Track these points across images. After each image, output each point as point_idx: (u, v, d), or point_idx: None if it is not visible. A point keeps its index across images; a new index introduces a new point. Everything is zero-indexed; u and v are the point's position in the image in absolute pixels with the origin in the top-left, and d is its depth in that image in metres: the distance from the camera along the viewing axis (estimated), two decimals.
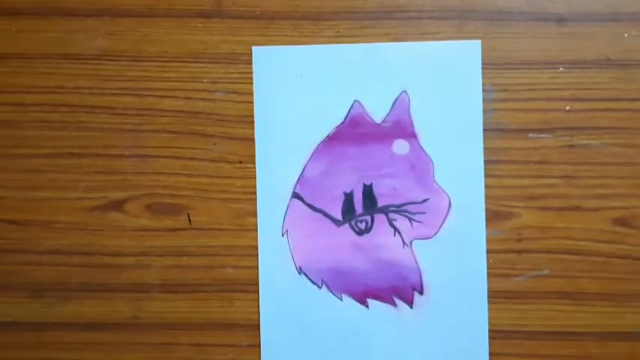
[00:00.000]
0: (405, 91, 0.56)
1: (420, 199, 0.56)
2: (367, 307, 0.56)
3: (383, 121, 0.56)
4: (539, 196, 0.56)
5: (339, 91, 0.56)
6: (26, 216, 0.56)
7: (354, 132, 0.56)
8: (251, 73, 0.56)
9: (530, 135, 0.56)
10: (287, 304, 0.56)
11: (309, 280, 0.56)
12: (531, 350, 0.55)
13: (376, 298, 0.56)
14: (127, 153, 0.56)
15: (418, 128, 0.56)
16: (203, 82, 0.56)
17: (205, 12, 0.56)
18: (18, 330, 0.56)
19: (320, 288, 0.56)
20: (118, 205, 0.56)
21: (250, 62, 0.56)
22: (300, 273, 0.56)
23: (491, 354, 0.55)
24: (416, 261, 0.56)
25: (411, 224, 0.56)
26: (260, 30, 0.56)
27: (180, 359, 0.56)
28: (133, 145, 0.56)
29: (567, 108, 0.56)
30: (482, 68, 0.56)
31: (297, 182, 0.56)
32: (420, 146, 0.56)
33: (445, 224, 0.56)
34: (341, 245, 0.56)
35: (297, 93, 0.56)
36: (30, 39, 0.56)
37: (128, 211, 0.56)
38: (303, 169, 0.56)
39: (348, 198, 0.56)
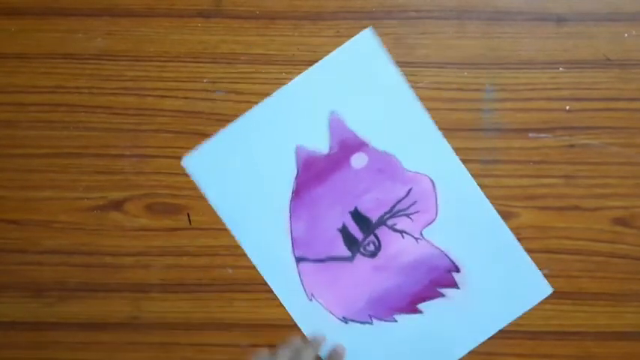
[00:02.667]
0: (332, 111, 0.56)
1: (404, 193, 0.55)
2: (421, 312, 0.56)
3: (330, 149, 0.56)
4: (539, 196, 0.56)
5: (278, 147, 0.56)
6: (26, 216, 0.56)
7: (312, 174, 0.56)
8: (251, 72, 0.56)
9: (530, 135, 0.56)
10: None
11: (358, 323, 0.56)
12: (531, 350, 0.55)
13: (423, 300, 0.56)
14: (126, 153, 0.56)
15: (364, 135, 0.56)
16: (202, 81, 0.56)
17: (205, 12, 0.56)
18: (18, 330, 0.56)
19: (372, 324, 0.56)
20: (117, 205, 0.56)
21: (250, 62, 0.56)
22: (346, 322, 0.56)
23: (491, 354, 0.55)
24: (436, 247, 0.55)
25: (411, 219, 0.56)
26: (259, 30, 0.56)
27: (179, 359, 0.56)
28: (132, 145, 0.56)
29: (567, 108, 0.56)
30: (482, 68, 0.56)
31: (292, 247, 0.56)
32: (376, 149, 0.56)
33: (439, 201, 0.55)
34: (364, 276, 0.56)
35: (244, 172, 0.56)
36: (29, 39, 0.56)
37: (128, 211, 0.56)
38: (291, 231, 0.56)
39: (344, 232, 0.56)
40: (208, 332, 0.56)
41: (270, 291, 0.56)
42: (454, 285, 0.55)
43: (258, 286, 0.56)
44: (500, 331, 0.55)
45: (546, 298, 0.55)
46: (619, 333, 0.55)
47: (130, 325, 0.56)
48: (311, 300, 0.56)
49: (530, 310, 0.56)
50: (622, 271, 0.56)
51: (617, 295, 0.56)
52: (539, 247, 0.56)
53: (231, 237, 0.56)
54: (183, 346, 0.56)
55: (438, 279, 0.56)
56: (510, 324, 0.55)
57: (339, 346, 0.55)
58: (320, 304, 0.56)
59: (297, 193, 0.56)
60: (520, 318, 0.55)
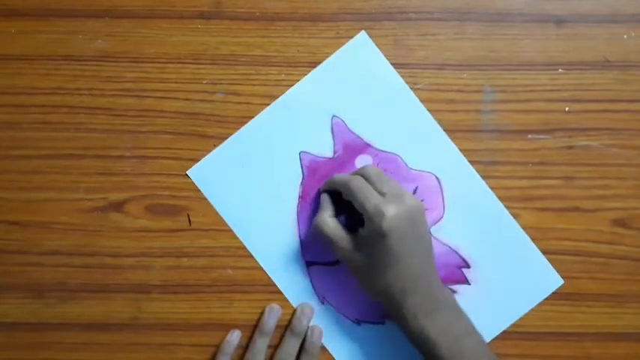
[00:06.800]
0: (334, 116, 0.56)
1: (410, 192, 0.55)
2: None
3: (334, 153, 0.56)
4: (539, 197, 0.56)
5: (282, 154, 0.56)
6: (27, 217, 0.56)
7: (317, 178, 0.56)
8: (251, 74, 0.56)
9: (530, 136, 0.56)
10: (357, 355, 0.56)
11: (371, 324, 0.56)
12: (530, 350, 0.56)
13: None
14: (127, 154, 0.56)
15: (367, 136, 0.56)
16: (203, 83, 0.56)
17: (205, 13, 0.56)
18: (18, 330, 0.56)
19: (384, 324, 0.56)
20: (118, 206, 0.56)
21: (250, 64, 0.56)
22: (359, 324, 0.56)
23: None
24: (446, 244, 0.55)
25: None
26: (259, 31, 0.56)
27: None
28: (133, 146, 0.56)
29: (566, 109, 0.56)
30: (481, 69, 0.56)
31: (302, 251, 0.56)
32: (380, 149, 0.56)
33: (446, 198, 0.55)
34: None
35: (250, 181, 0.56)
36: (30, 40, 0.56)
37: (128, 212, 0.56)
38: (299, 236, 0.56)
39: None
40: (208, 333, 0.56)
41: (271, 292, 0.56)
42: (465, 281, 0.55)
43: (258, 287, 0.56)
44: (500, 332, 0.55)
45: (546, 299, 0.56)
46: (618, 334, 0.56)
47: (131, 325, 0.56)
48: (323, 303, 0.56)
49: (528, 310, 0.56)
50: (621, 272, 0.56)
51: (617, 296, 0.56)
52: (539, 248, 0.56)
53: (232, 238, 0.56)
54: (184, 346, 0.56)
55: (449, 276, 0.56)
56: (510, 324, 0.55)
57: (317, 327, 0.55)
58: (332, 306, 0.56)
59: (303, 198, 0.56)
60: (519, 319, 0.55)
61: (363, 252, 0.50)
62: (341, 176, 0.53)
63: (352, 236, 0.51)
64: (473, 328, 0.50)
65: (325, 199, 0.54)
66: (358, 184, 0.50)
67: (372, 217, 0.48)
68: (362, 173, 0.52)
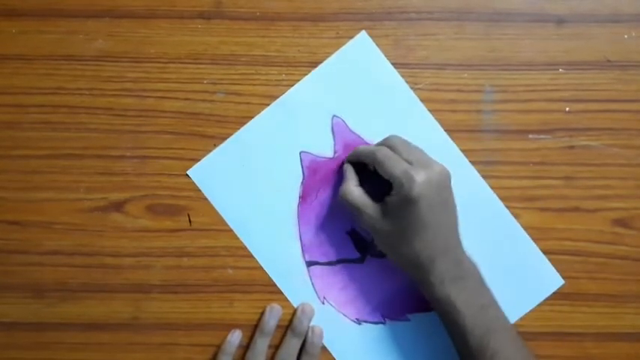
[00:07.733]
0: (334, 115, 0.56)
1: None
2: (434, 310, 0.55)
3: (335, 153, 0.56)
4: (539, 197, 0.56)
5: (282, 155, 0.56)
6: (27, 217, 0.56)
7: (318, 178, 0.56)
8: (251, 74, 0.56)
9: (530, 136, 0.56)
10: (358, 355, 0.56)
11: (371, 323, 0.56)
12: (530, 350, 0.55)
13: None
14: (127, 154, 0.56)
15: (368, 137, 0.56)
16: (203, 83, 0.56)
17: (205, 13, 0.56)
18: (18, 330, 0.56)
19: (385, 324, 0.56)
20: (118, 206, 0.56)
21: (250, 64, 0.56)
22: (359, 324, 0.56)
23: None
24: None
25: None
26: (260, 31, 0.56)
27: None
28: (133, 146, 0.56)
29: (567, 109, 0.56)
30: (481, 69, 0.56)
31: (302, 251, 0.56)
32: None
33: None
34: (375, 276, 0.56)
35: (250, 180, 0.56)
36: (30, 40, 0.56)
37: (128, 212, 0.56)
38: (300, 236, 0.56)
39: (353, 234, 0.56)
40: (208, 333, 0.56)
41: (271, 292, 0.56)
42: None
43: (259, 287, 0.56)
44: None
45: (545, 299, 0.56)
46: (618, 334, 0.56)
47: (131, 325, 0.56)
48: (323, 303, 0.56)
49: (527, 311, 0.56)
50: (622, 272, 0.56)
51: (617, 296, 0.56)
52: (539, 248, 0.56)
53: (232, 238, 0.56)
54: (184, 346, 0.56)
55: None
56: None
57: (317, 328, 0.55)
58: (332, 306, 0.56)
59: (304, 198, 0.56)
60: (519, 319, 0.55)
61: (391, 219, 0.50)
62: (366, 147, 0.53)
63: (379, 204, 0.51)
64: (496, 301, 0.51)
65: (349, 169, 0.54)
66: (385, 153, 0.50)
67: (401, 183, 0.48)
68: (387, 143, 0.52)
